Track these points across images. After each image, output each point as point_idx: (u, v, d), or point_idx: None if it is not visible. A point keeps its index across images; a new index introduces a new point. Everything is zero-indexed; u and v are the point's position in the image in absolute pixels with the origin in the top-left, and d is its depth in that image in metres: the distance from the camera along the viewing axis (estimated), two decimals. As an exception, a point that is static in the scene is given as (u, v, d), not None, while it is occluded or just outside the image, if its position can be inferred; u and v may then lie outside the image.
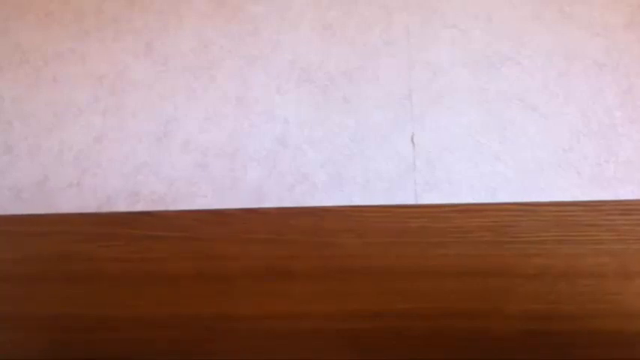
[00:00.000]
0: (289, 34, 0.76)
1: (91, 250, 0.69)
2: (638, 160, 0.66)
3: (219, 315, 0.67)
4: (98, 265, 0.69)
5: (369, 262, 0.66)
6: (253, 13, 0.77)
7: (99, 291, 0.69)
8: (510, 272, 0.64)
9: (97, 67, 0.77)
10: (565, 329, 0.64)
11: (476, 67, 0.72)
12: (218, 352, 0.67)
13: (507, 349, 0.64)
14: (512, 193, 0.66)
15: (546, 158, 0.67)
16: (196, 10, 0.78)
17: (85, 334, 0.69)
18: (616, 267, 0.63)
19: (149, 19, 0.78)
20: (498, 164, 0.68)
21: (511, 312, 0.64)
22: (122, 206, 0.70)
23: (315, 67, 0.74)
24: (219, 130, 0.72)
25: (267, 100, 0.73)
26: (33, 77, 0.77)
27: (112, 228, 0.69)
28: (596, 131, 0.68)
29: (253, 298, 0.67)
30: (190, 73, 0.75)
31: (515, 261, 0.64)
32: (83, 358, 0.69)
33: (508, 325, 0.64)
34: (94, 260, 0.69)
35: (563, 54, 0.71)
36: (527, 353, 0.64)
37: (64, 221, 0.70)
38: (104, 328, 0.69)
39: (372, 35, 0.74)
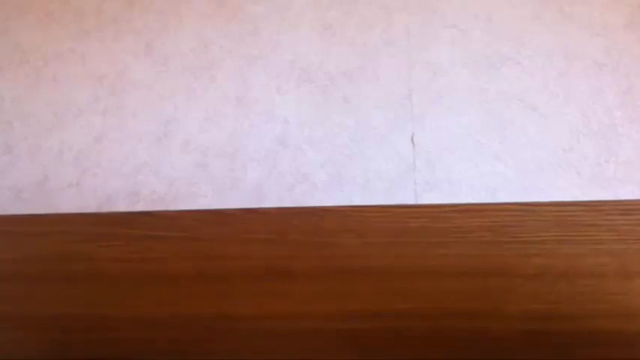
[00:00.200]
0: (289, 34, 0.76)
1: (91, 250, 0.69)
2: (638, 160, 0.66)
3: (219, 315, 0.67)
4: (98, 265, 0.69)
5: (369, 262, 0.66)
6: (253, 13, 0.77)
7: (99, 291, 0.69)
8: (510, 272, 0.64)
9: (97, 67, 0.77)
10: (565, 329, 0.64)
11: (476, 67, 0.72)
12: (218, 352, 0.67)
13: (507, 349, 0.64)
14: (512, 193, 0.66)
15: (546, 158, 0.67)
16: (196, 10, 0.78)
17: (85, 334, 0.69)
18: (616, 267, 0.63)
19: (149, 19, 0.78)
20: (498, 164, 0.67)
21: (511, 312, 0.64)
22: (122, 206, 0.70)
23: (315, 67, 0.74)
24: (219, 130, 0.72)
25: (267, 100, 0.73)
26: (33, 77, 0.77)
27: (111, 228, 0.69)
28: (596, 131, 0.68)
29: (253, 298, 0.67)
30: (190, 73, 0.75)
31: (515, 261, 0.64)
32: (83, 358, 0.69)
33: (508, 325, 0.64)
34: (94, 260, 0.69)
35: (563, 54, 0.71)
36: (527, 353, 0.64)
37: (64, 221, 0.70)
38: (104, 328, 0.69)
39: (372, 35, 0.74)
